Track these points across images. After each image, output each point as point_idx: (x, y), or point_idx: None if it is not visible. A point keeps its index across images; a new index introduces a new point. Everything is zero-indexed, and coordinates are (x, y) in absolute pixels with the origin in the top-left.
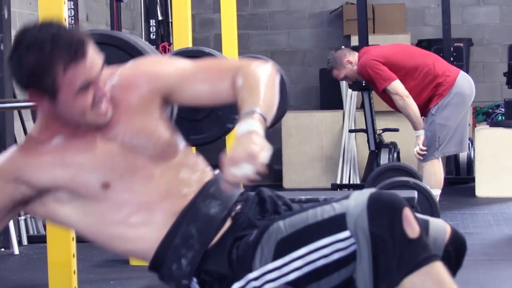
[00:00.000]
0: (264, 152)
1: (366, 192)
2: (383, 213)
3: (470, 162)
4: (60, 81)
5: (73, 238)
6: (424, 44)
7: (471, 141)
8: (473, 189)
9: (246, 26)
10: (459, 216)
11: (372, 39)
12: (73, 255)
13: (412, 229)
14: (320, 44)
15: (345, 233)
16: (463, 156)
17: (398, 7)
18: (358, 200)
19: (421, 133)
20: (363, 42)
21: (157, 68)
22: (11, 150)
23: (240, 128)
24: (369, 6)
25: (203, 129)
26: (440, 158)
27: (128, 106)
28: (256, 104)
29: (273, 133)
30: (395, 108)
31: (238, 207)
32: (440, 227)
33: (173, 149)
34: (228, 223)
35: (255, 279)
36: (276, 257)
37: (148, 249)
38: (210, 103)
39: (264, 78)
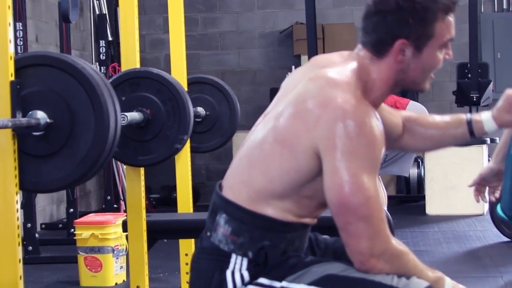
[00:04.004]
0: None
1: (424, 284)
2: None
3: (421, 181)
4: (437, 28)
5: (19, 260)
6: None
7: (422, 159)
8: (423, 207)
9: (197, 46)
10: (409, 234)
11: None
12: (20, 276)
13: None
14: (271, 64)
15: None
16: (413, 174)
17: (347, 27)
18: (418, 286)
19: None
20: None
21: None
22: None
23: None
24: (318, 26)
25: (151, 150)
26: (380, 179)
27: None
28: None
29: (224, 152)
30: None
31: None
32: None
33: None
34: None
35: None
36: (314, 284)
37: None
38: None
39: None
